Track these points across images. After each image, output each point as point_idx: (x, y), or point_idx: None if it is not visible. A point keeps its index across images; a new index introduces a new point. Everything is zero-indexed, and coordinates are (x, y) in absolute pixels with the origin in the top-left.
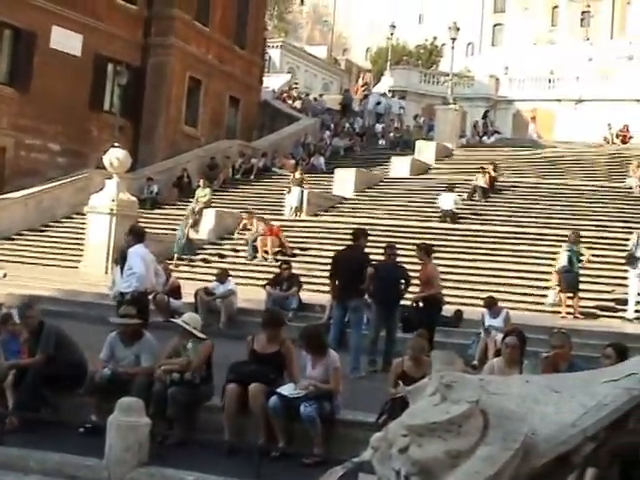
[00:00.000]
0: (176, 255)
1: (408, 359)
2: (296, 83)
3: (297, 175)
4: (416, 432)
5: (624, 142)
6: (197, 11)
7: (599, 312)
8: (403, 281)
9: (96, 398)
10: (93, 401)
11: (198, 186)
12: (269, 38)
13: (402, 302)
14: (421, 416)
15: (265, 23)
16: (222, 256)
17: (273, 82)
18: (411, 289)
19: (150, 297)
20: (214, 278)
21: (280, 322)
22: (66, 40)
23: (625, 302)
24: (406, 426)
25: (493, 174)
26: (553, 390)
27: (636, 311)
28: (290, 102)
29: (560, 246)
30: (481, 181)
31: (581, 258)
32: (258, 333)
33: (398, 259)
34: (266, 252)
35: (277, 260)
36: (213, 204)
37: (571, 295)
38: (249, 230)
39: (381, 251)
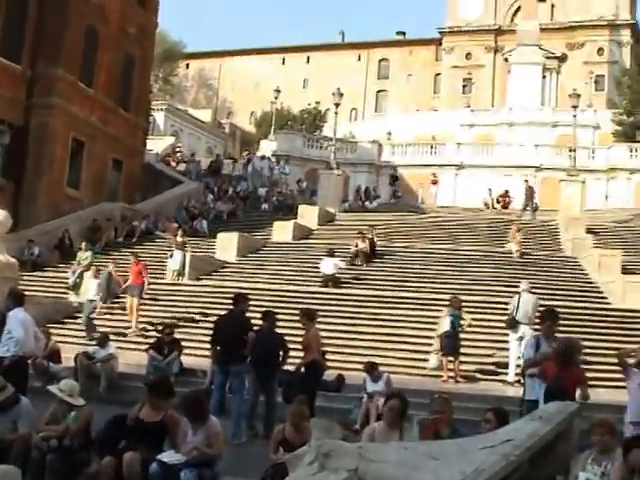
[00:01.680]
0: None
1: (289, 425)
2: (180, 146)
3: (179, 239)
4: None
5: (504, 207)
6: (81, 72)
7: (480, 376)
8: (281, 349)
9: None
10: None
11: (80, 249)
12: (154, 100)
13: (283, 367)
14: None
15: (150, 86)
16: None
17: (157, 145)
18: (295, 354)
19: (29, 361)
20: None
21: (168, 393)
22: None
23: (506, 366)
24: None
25: (372, 238)
26: (432, 457)
27: (516, 374)
28: (174, 165)
29: (441, 310)
30: (361, 246)
31: (462, 322)
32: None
33: (281, 324)
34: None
35: (153, 324)
36: (94, 267)
37: (452, 359)
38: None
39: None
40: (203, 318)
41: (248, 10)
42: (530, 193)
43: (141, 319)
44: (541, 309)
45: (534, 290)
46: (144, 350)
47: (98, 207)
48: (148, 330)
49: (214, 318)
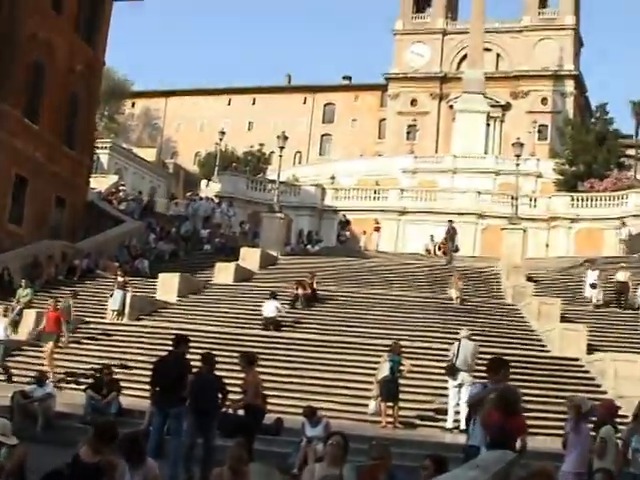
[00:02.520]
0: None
1: (227, 469)
2: (123, 185)
3: (120, 278)
4: None
5: (446, 253)
6: (26, 108)
7: (419, 422)
8: (220, 392)
9: None
10: None
11: (20, 286)
12: (98, 138)
13: (221, 410)
14: None
15: (95, 124)
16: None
17: (101, 183)
18: (234, 397)
19: None
20: (32, 380)
21: (111, 439)
22: None
23: (445, 412)
24: None
25: (312, 283)
26: None
27: (455, 421)
28: (116, 204)
29: (381, 356)
30: (301, 290)
31: (401, 368)
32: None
33: (220, 366)
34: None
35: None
36: (34, 305)
37: (391, 404)
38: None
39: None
40: (131, 365)
41: (196, 51)
42: (452, 234)
43: (80, 358)
44: (488, 357)
45: (474, 337)
46: (82, 390)
47: (39, 244)
48: (68, 380)
49: (153, 359)
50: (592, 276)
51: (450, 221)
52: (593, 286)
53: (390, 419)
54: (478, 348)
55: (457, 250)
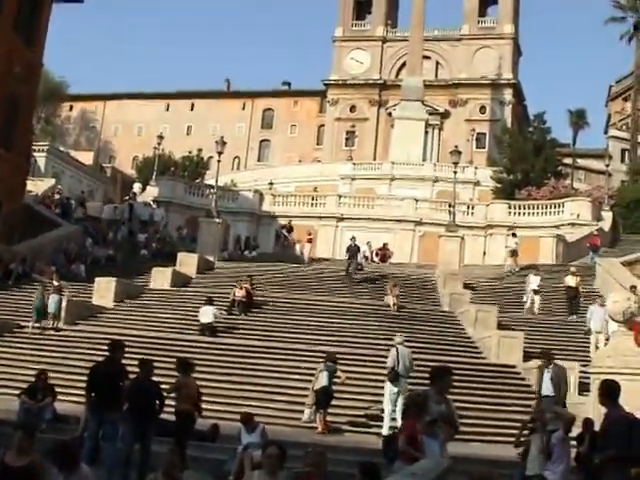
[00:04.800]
0: None
1: (161, 476)
2: (60, 188)
3: (56, 282)
4: None
5: (383, 260)
6: None
7: (354, 429)
8: (157, 398)
9: None
10: None
11: None
12: (35, 141)
13: (159, 416)
14: None
15: (33, 126)
16: None
17: (37, 186)
18: (171, 402)
19: None
20: None
21: (29, 432)
22: None
23: (379, 418)
24: None
25: (249, 288)
26: None
27: (391, 427)
28: (53, 207)
29: (318, 362)
30: (239, 294)
31: (338, 375)
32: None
33: (158, 372)
34: None
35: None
36: None
37: (327, 411)
38: None
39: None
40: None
41: (134, 54)
42: (354, 251)
43: (15, 363)
44: (425, 364)
45: (411, 344)
46: (17, 395)
47: None
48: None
49: (89, 364)
50: (535, 281)
51: (352, 238)
52: (536, 292)
53: (325, 426)
54: (412, 355)
55: (361, 269)
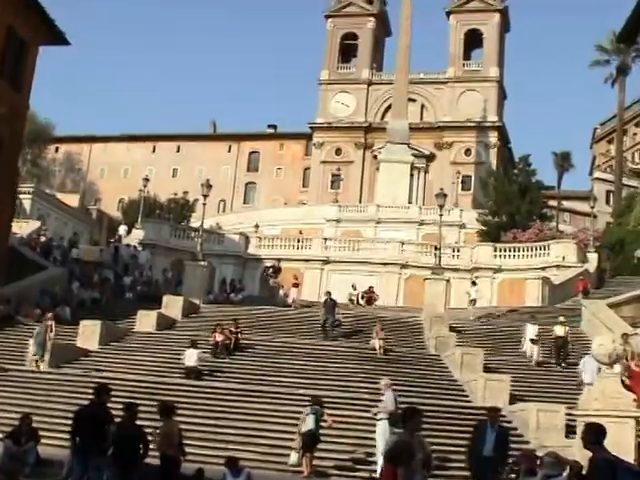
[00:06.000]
0: None
1: None
2: (45, 230)
3: (49, 322)
4: None
5: (369, 303)
6: None
7: (340, 472)
8: (142, 443)
9: None
10: None
11: None
12: (21, 183)
13: (143, 461)
14: None
15: (18, 168)
16: None
17: (22, 228)
18: (153, 446)
19: None
20: None
21: (12, 477)
22: None
23: (364, 462)
24: None
25: (236, 331)
26: None
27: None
28: (38, 250)
29: (304, 406)
30: (219, 338)
31: (324, 418)
32: None
33: (142, 416)
34: None
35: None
36: None
37: (313, 455)
38: None
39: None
40: (52, 414)
41: (120, 97)
42: (331, 306)
43: None
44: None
45: (397, 387)
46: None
47: None
48: None
49: (73, 407)
50: (532, 331)
51: (328, 293)
52: (533, 341)
53: (312, 469)
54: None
55: (339, 325)
